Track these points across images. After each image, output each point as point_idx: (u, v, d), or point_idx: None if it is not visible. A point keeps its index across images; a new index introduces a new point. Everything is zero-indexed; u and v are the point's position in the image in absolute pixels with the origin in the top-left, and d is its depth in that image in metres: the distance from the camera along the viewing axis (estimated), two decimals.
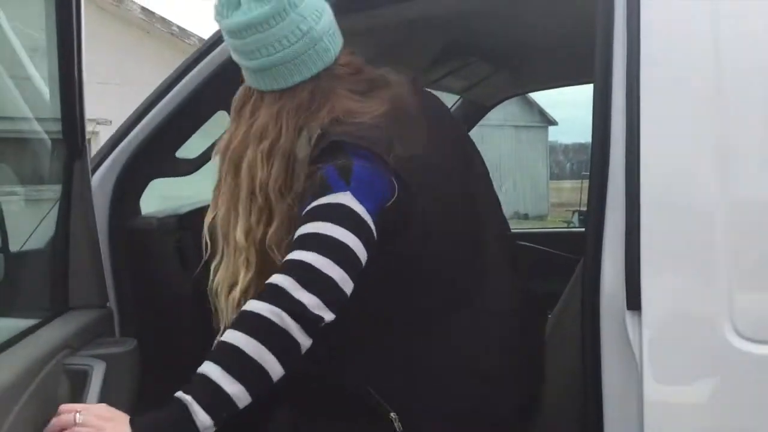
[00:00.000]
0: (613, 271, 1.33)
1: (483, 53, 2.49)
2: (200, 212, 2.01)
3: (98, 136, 9.56)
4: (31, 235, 1.68)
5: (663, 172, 1.33)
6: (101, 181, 1.81)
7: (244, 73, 1.45)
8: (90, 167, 1.73)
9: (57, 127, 1.58)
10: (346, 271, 1.28)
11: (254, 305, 1.25)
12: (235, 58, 1.44)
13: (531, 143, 21.38)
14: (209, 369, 1.22)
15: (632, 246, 1.30)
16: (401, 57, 2.40)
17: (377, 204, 1.32)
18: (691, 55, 1.32)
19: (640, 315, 1.28)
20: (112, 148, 1.83)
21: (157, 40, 10.60)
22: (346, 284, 1.28)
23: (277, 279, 1.26)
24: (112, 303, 1.79)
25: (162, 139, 1.85)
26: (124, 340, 1.51)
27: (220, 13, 1.40)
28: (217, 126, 1.91)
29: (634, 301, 1.28)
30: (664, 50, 1.33)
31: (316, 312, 1.24)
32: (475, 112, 3.11)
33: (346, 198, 1.29)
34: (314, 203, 1.31)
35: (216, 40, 1.80)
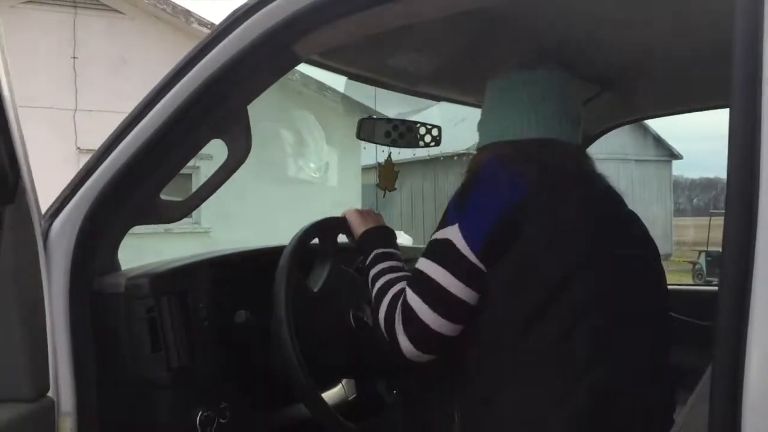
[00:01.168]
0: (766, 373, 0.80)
1: (580, 71, 1.95)
2: (187, 271, 1.58)
3: (199, 171, 9.39)
4: None
5: None
6: (61, 230, 1.39)
7: None
8: (40, 212, 1.34)
9: None
10: (444, 315, 1.38)
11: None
12: None
13: (654, 178, 20.66)
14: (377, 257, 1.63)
15: None
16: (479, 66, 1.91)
17: (491, 223, 1.35)
18: None
19: None
20: (76, 188, 1.41)
21: None
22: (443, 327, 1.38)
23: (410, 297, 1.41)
24: (67, 393, 1.35)
25: (141, 176, 1.42)
26: None
27: None
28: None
29: None
30: None
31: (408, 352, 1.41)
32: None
33: (452, 232, 1.38)
34: (433, 236, 1.42)
35: (207, 44, 1.37)
